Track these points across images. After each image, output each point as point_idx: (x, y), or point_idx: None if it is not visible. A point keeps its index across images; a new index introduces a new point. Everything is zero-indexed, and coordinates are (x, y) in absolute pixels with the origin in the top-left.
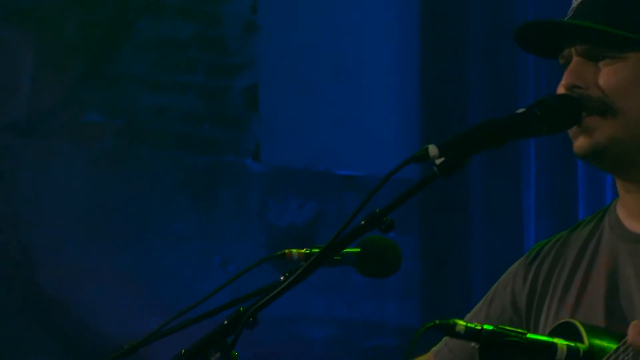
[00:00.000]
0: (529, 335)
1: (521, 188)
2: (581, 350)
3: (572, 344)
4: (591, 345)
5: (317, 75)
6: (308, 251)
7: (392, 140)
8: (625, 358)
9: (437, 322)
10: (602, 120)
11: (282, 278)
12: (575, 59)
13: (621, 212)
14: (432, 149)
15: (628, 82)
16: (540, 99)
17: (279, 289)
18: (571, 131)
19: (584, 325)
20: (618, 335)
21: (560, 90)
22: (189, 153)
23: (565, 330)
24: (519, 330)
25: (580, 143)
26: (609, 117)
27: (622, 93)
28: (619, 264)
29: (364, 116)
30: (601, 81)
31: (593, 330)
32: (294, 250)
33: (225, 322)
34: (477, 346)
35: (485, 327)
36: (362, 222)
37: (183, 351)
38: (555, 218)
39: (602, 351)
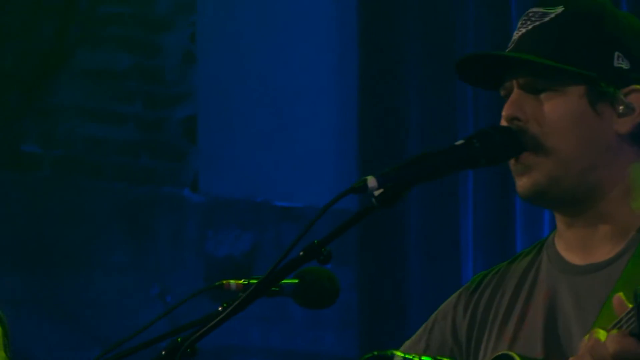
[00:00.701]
0: None
1: (459, 220)
2: None
3: None
4: None
5: (255, 107)
6: (246, 282)
7: (331, 171)
8: None
9: (376, 353)
10: (538, 158)
11: (220, 309)
12: (516, 91)
13: (560, 246)
14: (371, 181)
15: (567, 118)
16: (480, 130)
17: (217, 319)
18: (513, 170)
19: (521, 357)
20: None
21: (503, 123)
22: (127, 183)
23: None
24: None
25: (522, 184)
26: (543, 155)
27: (560, 131)
28: (558, 296)
29: (303, 147)
30: (541, 116)
31: None
32: (232, 281)
33: (163, 352)
34: None
35: (424, 358)
36: (301, 253)
37: None
38: (492, 250)
39: None
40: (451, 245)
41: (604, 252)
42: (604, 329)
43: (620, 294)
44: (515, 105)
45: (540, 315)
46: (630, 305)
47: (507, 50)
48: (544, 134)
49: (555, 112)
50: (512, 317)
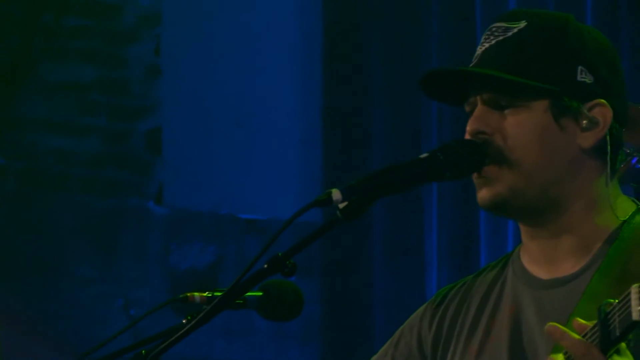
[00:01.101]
0: None
1: (423, 233)
2: None
3: None
4: None
5: (220, 119)
6: (210, 294)
7: (295, 184)
8: None
9: None
10: (501, 171)
11: (184, 321)
12: (480, 106)
13: (525, 259)
14: (336, 193)
15: (531, 133)
16: (444, 143)
17: (181, 332)
18: (475, 183)
19: None
20: None
21: (467, 137)
22: (92, 196)
23: None
24: None
25: (482, 194)
26: (506, 168)
27: (524, 144)
28: (523, 309)
29: (267, 160)
30: (505, 130)
31: None
32: (196, 294)
33: None
34: None
35: None
36: (265, 266)
37: None
38: (457, 263)
39: None
40: (415, 258)
41: (568, 266)
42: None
43: (578, 319)
44: (479, 120)
45: (505, 329)
46: (591, 324)
47: (470, 65)
48: (508, 147)
49: (520, 126)
50: (477, 330)
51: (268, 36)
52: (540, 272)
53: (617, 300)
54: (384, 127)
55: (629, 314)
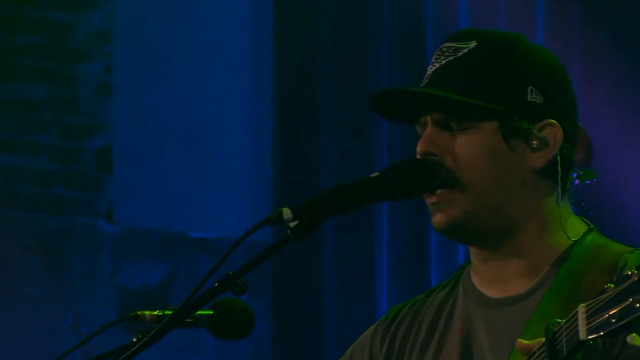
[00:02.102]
0: None
1: (373, 252)
2: None
3: None
4: None
5: (171, 138)
6: (161, 313)
7: (245, 203)
8: None
9: None
10: (454, 194)
11: (135, 339)
12: (430, 126)
13: (475, 279)
14: (286, 212)
15: (481, 154)
16: (395, 163)
17: (131, 350)
18: (429, 206)
19: None
20: None
21: (418, 157)
22: (41, 214)
23: None
24: None
25: (437, 219)
26: (458, 191)
27: (474, 166)
28: (474, 328)
29: (217, 179)
30: (455, 151)
31: None
32: (147, 312)
33: None
34: None
35: None
36: (216, 284)
37: None
38: (407, 282)
39: None
40: (366, 277)
41: (519, 285)
42: None
43: (520, 339)
44: (429, 141)
45: (456, 348)
46: (535, 342)
47: (421, 85)
48: (459, 169)
49: (470, 147)
50: (429, 349)
51: (219, 55)
52: (491, 292)
53: (564, 320)
54: (335, 146)
55: (576, 333)
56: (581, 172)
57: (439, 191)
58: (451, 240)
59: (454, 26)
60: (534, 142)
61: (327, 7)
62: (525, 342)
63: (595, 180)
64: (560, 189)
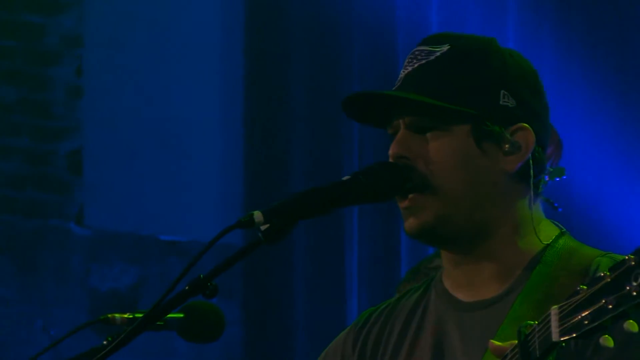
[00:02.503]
0: None
1: (344, 256)
2: None
3: None
4: None
5: (142, 140)
6: (131, 316)
7: (216, 206)
8: None
9: None
10: (426, 198)
11: (105, 342)
12: (402, 130)
13: (447, 283)
14: (258, 215)
15: (453, 158)
16: (366, 166)
17: (101, 353)
18: (401, 210)
19: None
20: None
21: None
22: (12, 216)
23: None
24: None
25: (409, 224)
26: (430, 195)
27: (446, 170)
28: (446, 332)
29: (189, 182)
30: (427, 155)
31: None
32: (117, 315)
33: None
34: None
35: None
36: (186, 287)
37: None
38: (377, 286)
39: None
40: (336, 281)
41: (491, 289)
42: None
43: (493, 341)
44: (401, 144)
45: (428, 351)
46: (508, 344)
47: (394, 88)
48: (431, 173)
49: (442, 151)
50: (400, 353)
51: (190, 58)
52: (463, 295)
53: (536, 322)
54: (306, 149)
55: (549, 335)
56: (550, 169)
57: (410, 195)
58: (423, 244)
59: (425, 29)
60: (506, 146)
61: (298, 9)
62: (498, 343)
63: (564, 177)
64: (532, 192)
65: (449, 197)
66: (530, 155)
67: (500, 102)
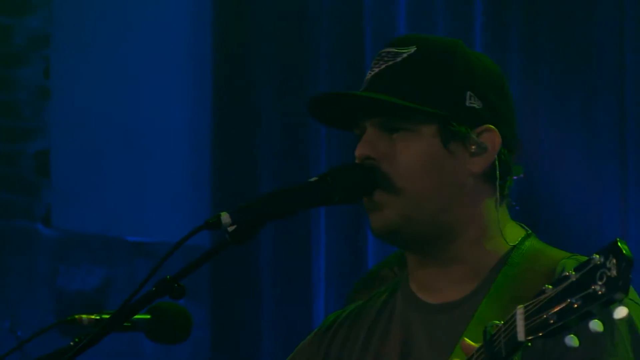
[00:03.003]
0: None
1: (311, 258)
2: None
3: None
4: None
5: (109, 142)
6: (98, 317)
7: (184, 207)
8: None
9: None
10: (390, 197)
11: (72, 343)
12: (369, 131)
13: (414, 285)
14: (225, 217)
15: (420, 158)
16: (334, 167)
17: (68, 354)
18: (366, 207)
19: None
20: None
21: (357, 161)
22: None
23: None
24: None
25: (374, 223)
26: (394, 194)
27: (412, 170)
28: (412, 334)
29: (156, 183)
30: (393, 155)
31: None
32: (84, 316)
33: None
34: None
35: None
36: (153, 289)
37: None
38: (344, 288)
39: None
40: (304, 283)
41: (457, 291)
42: None
43: (466, 339)
44: (367, 145)
45: (395, 354)
46: (477, 345)
47: (361, 89)
48: (396, 173)
49: (407, 151)
50: (367, 355)
51: (158, 59)
52: (429, 298)
53: (502, 322)
54: (273, 150)
55: (515, 334)
56: None
57: (376, 194)
58: (389, 244)
59: (392, 30)
60: (473, 147)
61: (266, 10)
62: (471, 342)
63: (522, 175)
64: (498, 194)
65: (414, 197)
66: (496, 156)
67: (467, 104)
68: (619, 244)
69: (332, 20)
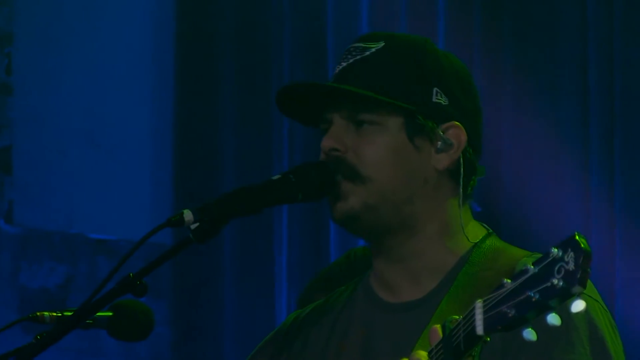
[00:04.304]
0: None
1: (273, 255)
2: None
3: None
4: None
5: (71, 139)
6: (60, 314)
7: (146, 204)
8: None
9: None
10: (356, 187)
11: (34, 340)
12: (336, 123)
13: (375, 283)
14: (187, 214)
15: (384, 151)
16: (297, 165)
17: (31, 351)
18: (329, 198)
19: None
20: None
21: (322, 155)
22: None
23: None
24: None
25: (336, 208)
26: (360, 184)
27: (377, 162)
28: (373, 333)
29: (118, 180)
30: (359, 147)
31: None
32: (46, 313)
33: None
34: None
35: None
36: (116, 286)
37: None
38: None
39: None
40: (265, 281)
41: (418, 290)
42: None
43: (437, 326)
44: (334, 137)
45: (356, 353)
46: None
47: (329, 82)
48: (361, 164)
49: (373, 143)
50: (328, 354)
51: (121, 57)
52: (390, 296)
53: (461, 317)
54: (236, 149)
55: (473, 329)
56: None
57: (342, 184)
58: (349, 233)
59: (355, 29)
60: (438, 143)
61: (229, 10)
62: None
63: (482, 176)
64: (461, 192)
65: (377, 187)
66: (461, 154)
67: (433, 99)
68: (577, 237)
69: (295, 18)
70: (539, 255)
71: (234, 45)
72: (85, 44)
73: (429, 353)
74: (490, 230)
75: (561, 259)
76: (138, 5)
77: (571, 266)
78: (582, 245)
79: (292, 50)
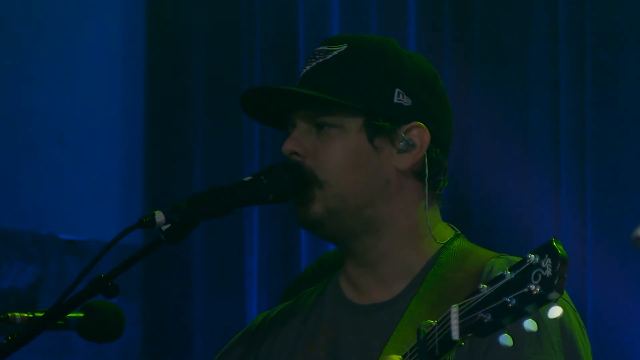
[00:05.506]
0: None
1: (244, 256)
2: None
3: None
4: None
5: (41, 139)
6: (31, 315)
7: (117, 205)
8: None
9: None
10: (317, 192)
11: (4, 341)
12: (298, 126)
13: (344, 285)
14: (159, 215)
15: (344, 153)
16: (268, 166)
17: (1, 352)
18: (295, 204)
19: None
20: None
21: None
22: None
23: None
24: None
25: (299, 214)
26: (319, 189)
27: (336, 165)
28: (342, 335)
29: (88, 181)
30: (319, 151)
31: None
32: (17, 314)
33: None
34: None
35: None
36: (87, 287)
37: None
38: (277, 287)
39: None
40: (236, 282)
41: (386, 292)
42: None
43: (390, 357)
44: (293, 141)
45: (324, 353)
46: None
47: (296, 85)
48: (320, 168)
49: (333, 146)
50: (296, 355)
51: (90, 57)
52: (359, 298)
53: (436, 321)
54: (207, 150)
55: (449, 333)
56: None
57: (305, 189)
58: (316, 236)
59: (326, 31)
60: (400, 144)
61: (199, 11)
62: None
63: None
64: (427, 192)
65: (338, 191)
66: (425, 154)
67: (395, 100)
68: (554, 243)
69: (265, 19)
70: (507, 256)
71: (205, 46)
72: (54, 44)
73: (403, 357)
74: (458, 232)
75: (538, 264)
76: (108, 6)
77: (548, 272)
78: (560, 252)
79: (263, 51)
